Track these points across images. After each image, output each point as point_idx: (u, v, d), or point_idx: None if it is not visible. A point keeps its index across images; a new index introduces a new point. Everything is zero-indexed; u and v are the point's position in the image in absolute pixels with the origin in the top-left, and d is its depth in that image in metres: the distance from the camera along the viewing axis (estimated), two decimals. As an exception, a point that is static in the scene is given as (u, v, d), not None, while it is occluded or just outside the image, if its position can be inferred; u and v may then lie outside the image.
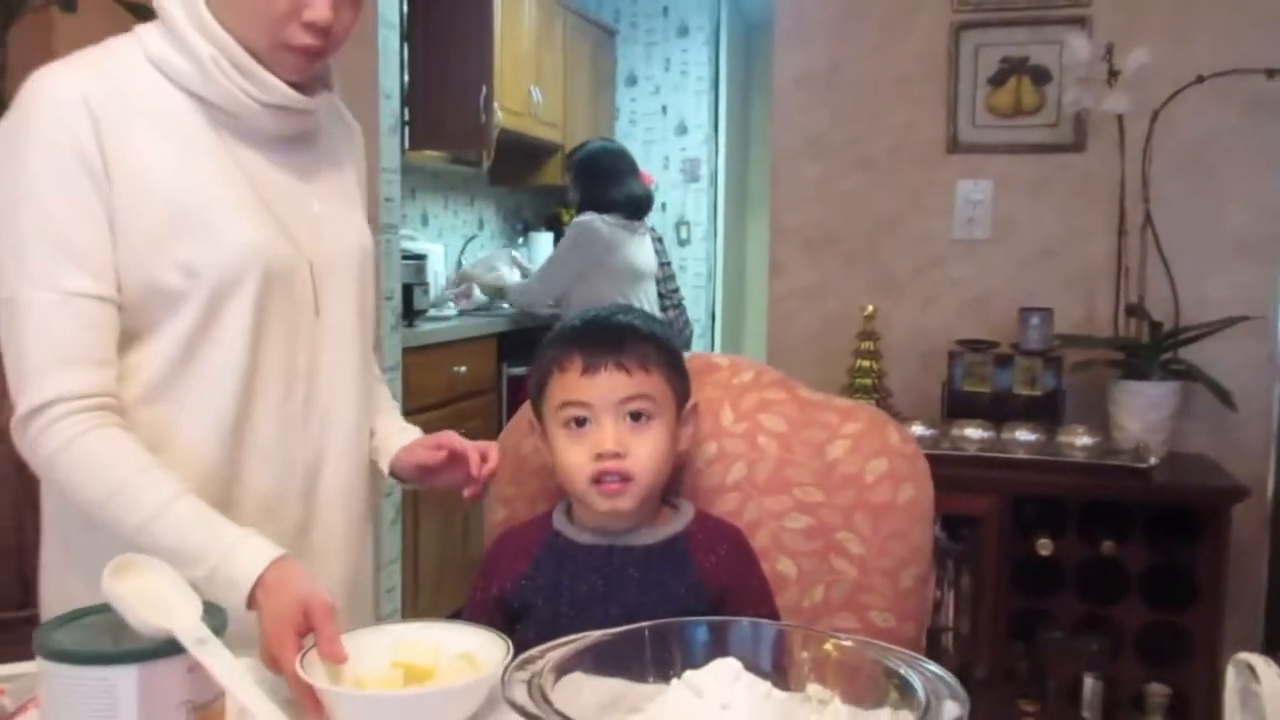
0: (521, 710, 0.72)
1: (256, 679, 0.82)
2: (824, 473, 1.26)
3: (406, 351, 2.91)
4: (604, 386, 1.11)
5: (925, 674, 0.78)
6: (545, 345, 1.19)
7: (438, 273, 3.91)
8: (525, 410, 1.37)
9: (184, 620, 0.72)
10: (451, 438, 1.27)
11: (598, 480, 1.11)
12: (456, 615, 1.19)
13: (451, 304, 3.84)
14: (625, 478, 1.10)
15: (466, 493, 1.27)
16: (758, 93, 6.00)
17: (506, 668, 0.79)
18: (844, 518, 1.24)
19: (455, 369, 3.27)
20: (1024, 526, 2.05)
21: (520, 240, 5.06)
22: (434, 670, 0.94)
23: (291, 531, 1.16)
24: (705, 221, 5.84)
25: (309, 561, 1.10)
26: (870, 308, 2.28)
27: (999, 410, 2.19)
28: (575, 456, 1.12)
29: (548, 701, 0.73)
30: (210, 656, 0.70)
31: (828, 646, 0.82)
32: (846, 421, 1.28)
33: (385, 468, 1.34)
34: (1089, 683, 2.11)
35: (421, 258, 3.35)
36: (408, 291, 3.06)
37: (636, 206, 3.75)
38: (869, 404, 1.32)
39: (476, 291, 3.93)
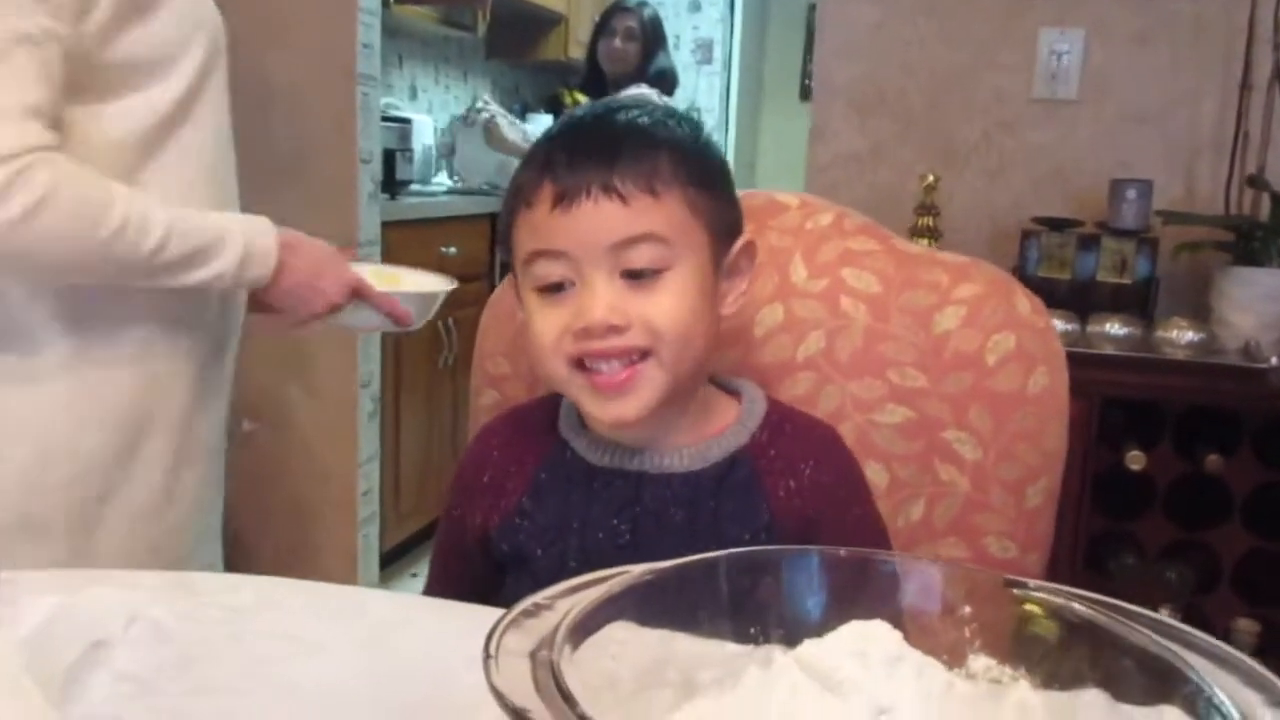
0: (518, 715, 0.40)
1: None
2: (930, 350, 0.93)
3: (387, 226, 2.56)
4: (587, 226, 0.72)
5: (1212, 657, 0.46)
6: (517, 168, 0.80)
7: (427, 145, 3.53)
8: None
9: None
10: None
11: (581, 365, 0.74)
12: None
13: (443, 175, 3.45)
14: (633, 360, 0.73)
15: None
16: (778, -32, 5.51)
17: (495, 629, 0.47)
18: (955, 411, 0.92)
19: (444, 250, 2.92)
20: (1111, 436, 1.73)
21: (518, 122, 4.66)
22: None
23: None
24: (717, 108, 5.42)
25: None
26: (931, 177, 1.93)
27: (1080, 301, 1.86)
28: (550, 328, 0.75)
29: (568, 698, 0.40)
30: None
31: (1029, 606, 0.50)
32: (960, 282, 0.95)
33: None
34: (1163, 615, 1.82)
35: (406, 122, 2.97)
36: (389, 158, 2.69)
37: (674, 83, 3.35)
38: (987, 262, 0.98)
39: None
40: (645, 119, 0.78)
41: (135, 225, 0.95)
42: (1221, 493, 1.71)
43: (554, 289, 0.75)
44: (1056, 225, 1.91)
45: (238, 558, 2.44)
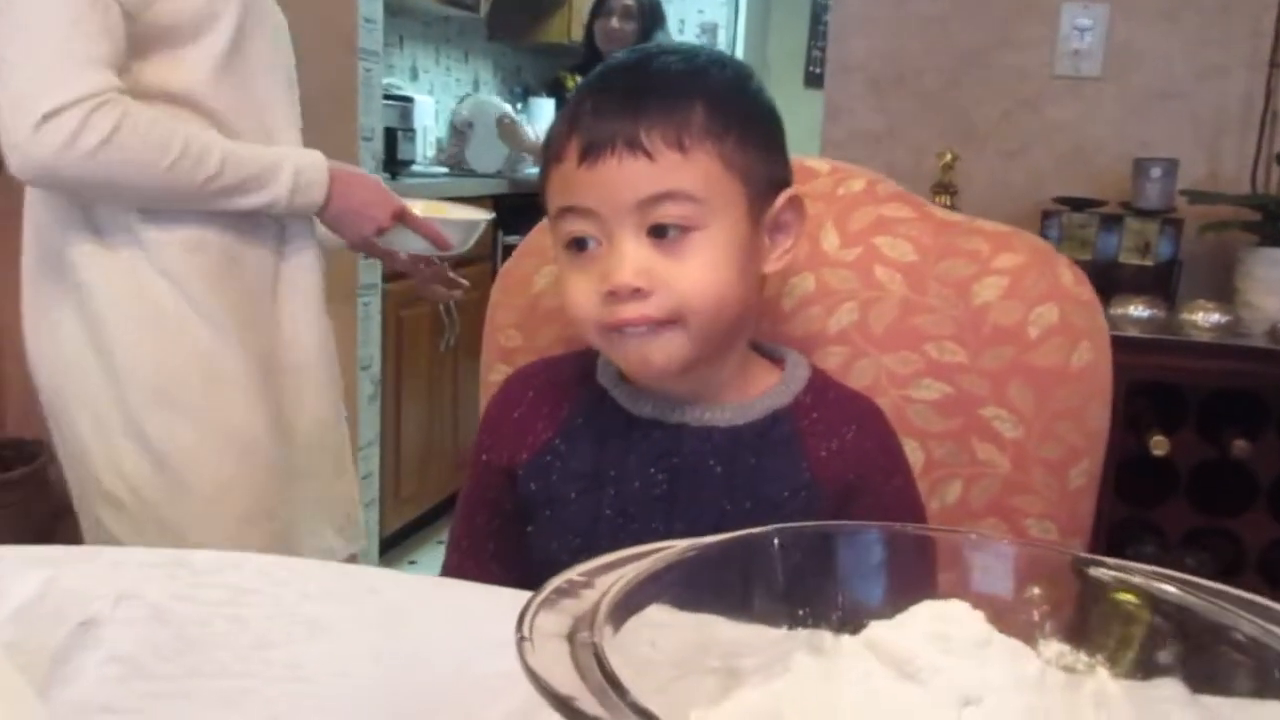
0: (563, 703, 0.35)
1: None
2: (969, 323, 0.88)
3: (389, 205, 2.50)
4: (612, 183, 0.69)
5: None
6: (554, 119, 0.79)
7: (427, 128, 3.47)
8: (535, 233, 0.99)
9: None
10: None
11: (615, 328, 0.71)
12: (444, 506, 0.83)
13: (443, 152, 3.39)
14: (661, 323, 0.70)
15: None
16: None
17: (528, 608, 0.42)
18: (995, 387, 0.87)
19: (446, 231, 2.87)
20: (1133, 421, 1.69)
21: (519, 106, 4.59)
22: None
23: None
24: (721, 93, 5.35)
25: None
26: (949, 156, 1.88)
27: (1102, 283, 1.79)
28: (579, 292, 0.72)
29: (616, 685, 0.36)
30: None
31: (1120, 593, 0.45)
32: (1001, 251, 0.90)
33: None
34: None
35: (408, 100, 2.91)
36: (390, 136, 2.63)
37: None
38: (1026, 232, 0.93)
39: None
40: (681, 66, 0.73)
41: (194, 156, 1.12)
42: (1246, 478, 1.67)
43: (582, 246, 0.72)
44: (1078, 205, 1.86)
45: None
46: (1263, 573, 1.70)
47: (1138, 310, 1.71)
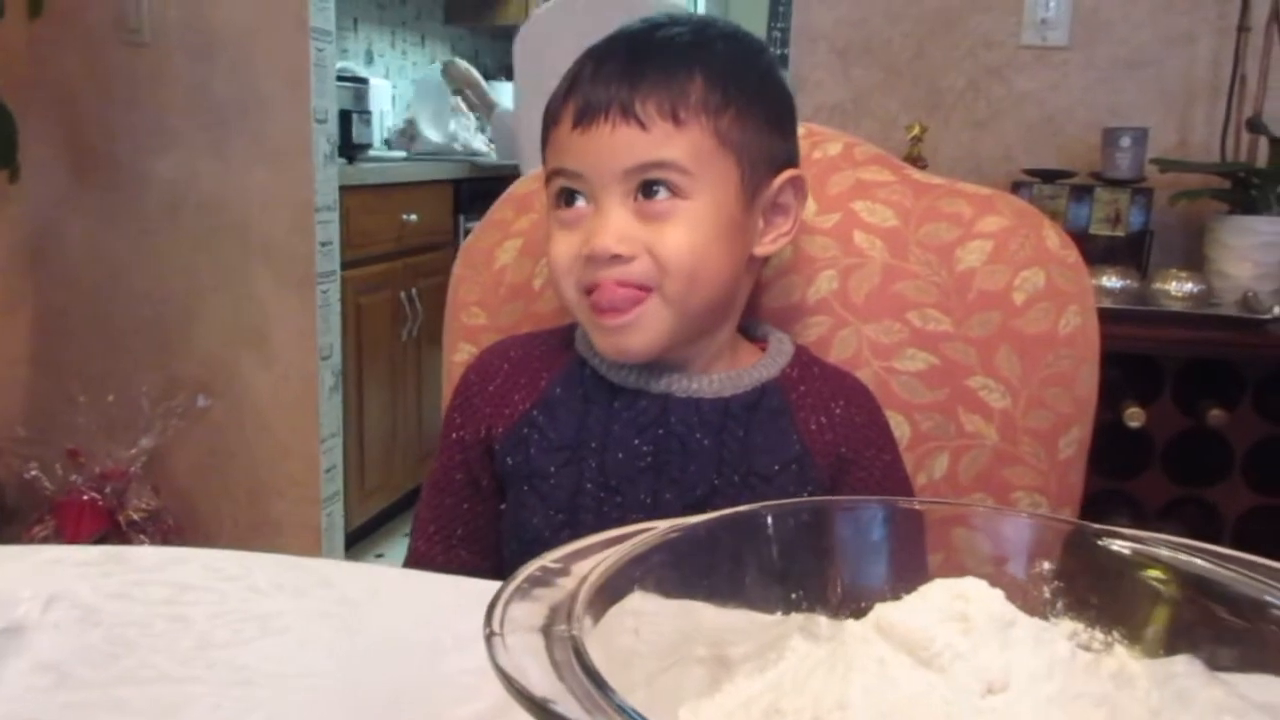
0: (538, 706, 0.31)
1: None
2: (953, 289, 0.85)
3: (346, 190, 2.43)
4: (602, 149, 0.69)
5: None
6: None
7: (384, 112, 3.39)
8: (497, 206, 0.95)
9: None
10: None
11: (590, 294, 0.70)
12: (409, 499, 0.79)
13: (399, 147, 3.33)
14: (637, 296, 0.68)
15: None
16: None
17: (498, 599, 0.37)
18: (982, 355, 0.84)
19: (405, 216, 2.80)
20: (1107, 393, 1.66)
21: (478, 89, 4.51)
22: None
23: None
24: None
25: None
26: (917, 128, 1.85)
27: (1073, 254, 1.79)
28: (562, 251, 0.71)
29: (599, 683, 0.31)
30: None
31: (1150, 571, 0.42)
32: (985, 214, 0.87)
33: None
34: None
35: (362, 82, 2.83)
36: (345, 119, 2.56)
37: None
38: (1009, 194, 0.90)
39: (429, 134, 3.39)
40: (687, 37, 0.72)
41: None
42: (1222, 448, 1.65)
43: (569, 207, 0.72)
44: (1048, 176, 1.84)
45: (194, 539, 2.33)
46: (1238, 542, 1.68)
47: (1110, 281, 1.69)
